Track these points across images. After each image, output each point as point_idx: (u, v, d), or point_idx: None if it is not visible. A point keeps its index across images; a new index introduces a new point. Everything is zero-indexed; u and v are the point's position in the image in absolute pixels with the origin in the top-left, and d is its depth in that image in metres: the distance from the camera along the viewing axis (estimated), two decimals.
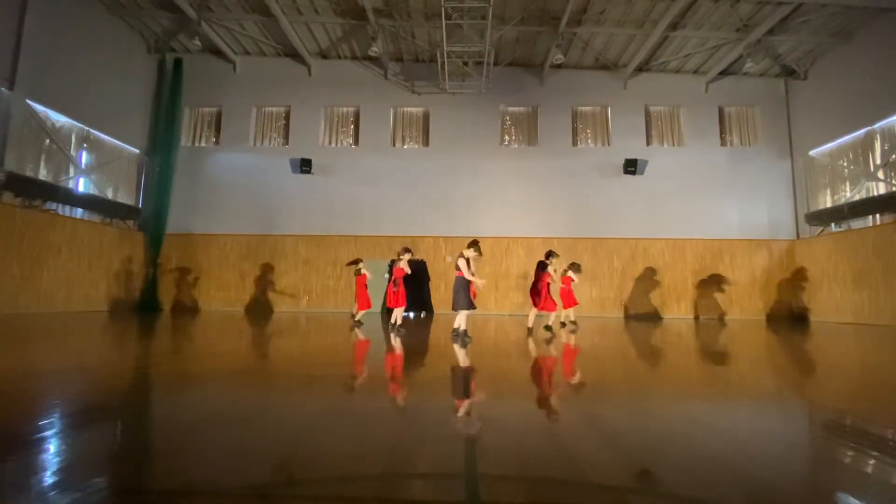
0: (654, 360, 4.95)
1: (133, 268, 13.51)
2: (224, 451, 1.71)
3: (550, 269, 7.83)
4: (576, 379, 3.65)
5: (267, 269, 14.13)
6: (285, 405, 2.55)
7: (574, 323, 8.89)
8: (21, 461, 1.55)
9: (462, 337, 5.73)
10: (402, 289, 7.65)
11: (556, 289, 8.47)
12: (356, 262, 9.26)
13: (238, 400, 2.66)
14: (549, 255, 7.96)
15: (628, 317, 13.52)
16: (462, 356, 4.60)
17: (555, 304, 8.08)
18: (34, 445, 1.69)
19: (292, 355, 4.83)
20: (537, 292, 7.79)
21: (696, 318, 13.49)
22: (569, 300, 9.01)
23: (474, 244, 6.08)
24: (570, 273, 9.12)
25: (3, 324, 7.33)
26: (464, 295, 5.93)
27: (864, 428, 2.21)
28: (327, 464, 1.59)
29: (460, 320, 5.91)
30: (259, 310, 13.78)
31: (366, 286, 9.02)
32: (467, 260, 6.00)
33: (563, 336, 6.99)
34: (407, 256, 7.41)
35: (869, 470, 1.65)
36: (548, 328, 7.82)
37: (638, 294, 13.90)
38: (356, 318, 8.86)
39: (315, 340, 6.32)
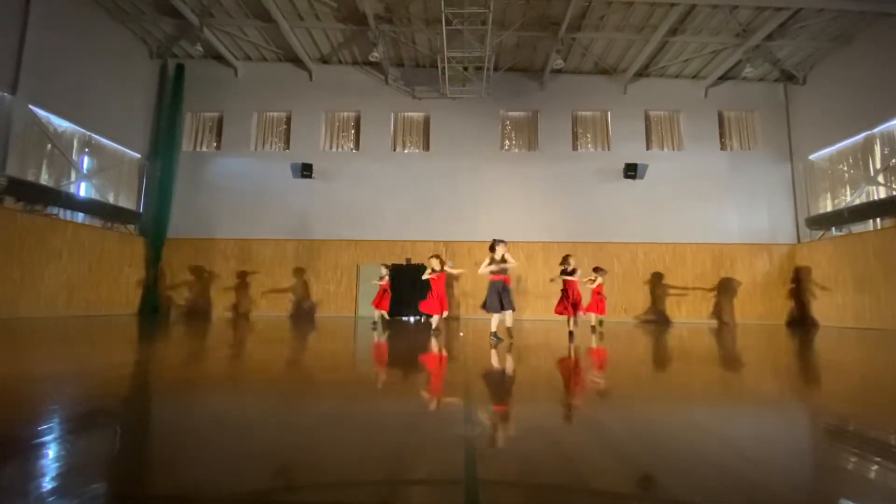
0: (654, 364, 4.94)
1: (133, 272, 13.52)
2: (224, 456, 1.70)
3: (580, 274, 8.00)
4: (575, 383, 3.63)
5: (267, 274, 14.13)
6: (292, 410, 2.55)
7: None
8: (20, 466, 1.55)
9: (495, 337, 6.08)
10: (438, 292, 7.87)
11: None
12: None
13: (239, 404, 2.66)
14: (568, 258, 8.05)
15: (628, 321, 13.48)
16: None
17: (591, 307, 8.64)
18: (33, 450, 1.69)
19: (298, 360, 4.82)
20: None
21: (699, 322, 13.46)
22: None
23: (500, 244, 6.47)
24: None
25: (3, 328, 7.33)
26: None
27: (867, 433, 2.21)
28: (328, 469, 1.59)
29: (509, 320, 6.36)
30: (259, 314, 13.78)
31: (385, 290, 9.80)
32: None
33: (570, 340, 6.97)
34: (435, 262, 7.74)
35: (873, 476, 1.64)
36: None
37: (638, 298, 13.89)
38: (374, 321, 9.80)
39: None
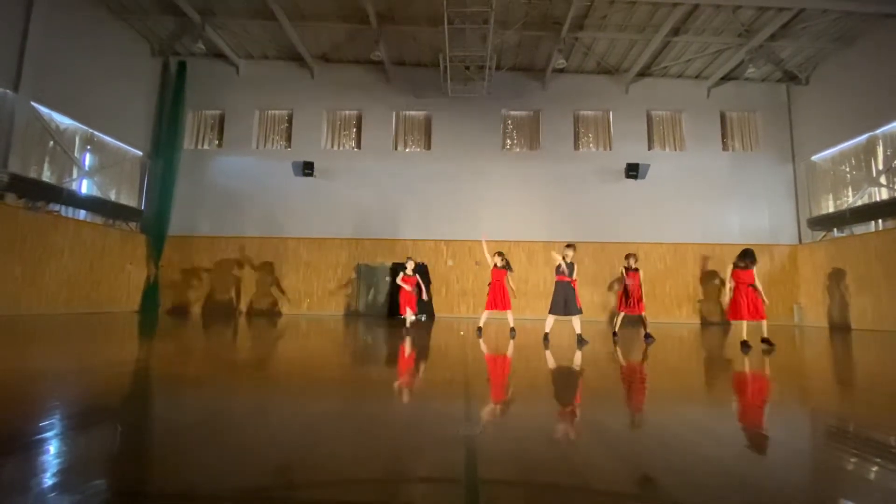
0: (654, 365, 4.94)
1: (135, 270, 13.53)
2: (224, 453, 1.70)
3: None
4: (576, 384, 3.63)
5: (268, 272, 14.14)
6: (300, 408, 2.55)
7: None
8: (20, 463, 1.55)
9: (581, 341, 6.15)
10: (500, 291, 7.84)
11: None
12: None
13: (239, 402, 2.66)
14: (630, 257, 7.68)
15: (630, 322, 13.44)
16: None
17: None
18: (33, 447, 1.69)
19: (302, 358, 4.82)
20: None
21: (700, 322, 13.45)
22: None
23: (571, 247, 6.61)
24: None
25: (4, 325, 7.34)
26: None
27: (867, 435, 2.20)
28: (327, 468, 1.59)
29: (577, 325, 6.39)
30: (259, 313, 13.78)
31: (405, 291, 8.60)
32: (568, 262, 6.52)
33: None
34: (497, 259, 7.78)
35: (872, 477, 1.64)
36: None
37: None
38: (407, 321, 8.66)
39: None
